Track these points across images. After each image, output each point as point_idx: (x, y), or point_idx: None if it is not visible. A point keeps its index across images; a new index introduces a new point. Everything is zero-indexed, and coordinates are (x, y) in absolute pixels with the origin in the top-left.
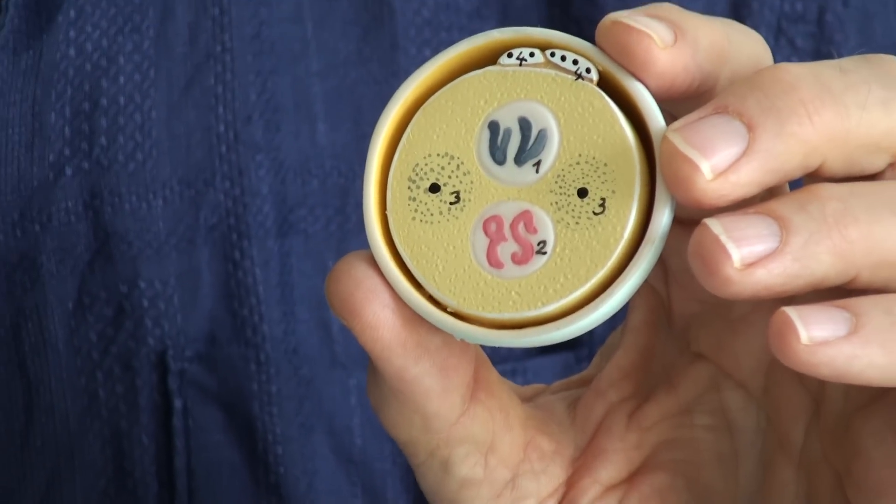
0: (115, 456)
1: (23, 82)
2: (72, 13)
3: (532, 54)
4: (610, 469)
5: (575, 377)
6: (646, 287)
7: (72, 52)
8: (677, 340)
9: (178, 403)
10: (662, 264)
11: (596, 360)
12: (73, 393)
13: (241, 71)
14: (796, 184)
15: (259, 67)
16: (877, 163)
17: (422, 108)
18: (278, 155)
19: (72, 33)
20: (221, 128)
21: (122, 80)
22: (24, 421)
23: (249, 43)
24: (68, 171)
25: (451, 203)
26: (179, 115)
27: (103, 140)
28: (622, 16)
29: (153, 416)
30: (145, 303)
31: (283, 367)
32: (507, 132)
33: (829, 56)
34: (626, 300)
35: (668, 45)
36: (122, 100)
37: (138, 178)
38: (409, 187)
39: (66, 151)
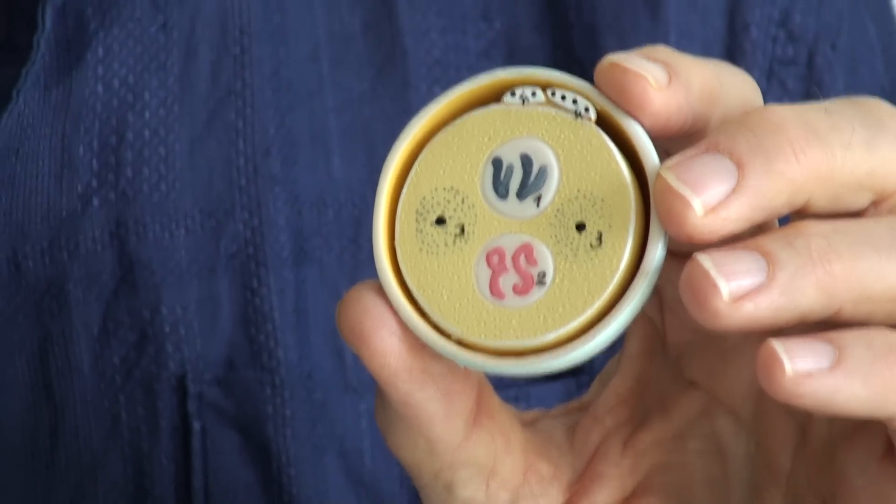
0: (136, 475)
1: (53, 117)
2: (100, 51)
3: (534, 93)
4: (606, 493)
5: (574, 402)
6: (642, 316)
7: (100, 88)
8: (671, 368)
9: (196, 425)
10: (657, 294)
11: (594, 385)
12: (97, 415)
13: (260, 106)
14: (784, 221)
15: (277, 103)
16: (860, 201)
17: (429, 143)
18: (295, 187)
19: (100, 70)
20: (241, 161)
21: (147, 114)
22: (50, 441)
23: (268, 80)
24: (95, 202)
25: (456, 235)
26: (201, 148)
27: (129, 172)
28: (619, 57)
29: (172, 438)
30: (167, 328)
31: (297, 391)
32: (510, 168)
33: (817, 97)
34: (622, 330)
35: (663, 87)
36: (147, 134)
37: (162, 209)
38: (416, 220)
39: (94, 183)
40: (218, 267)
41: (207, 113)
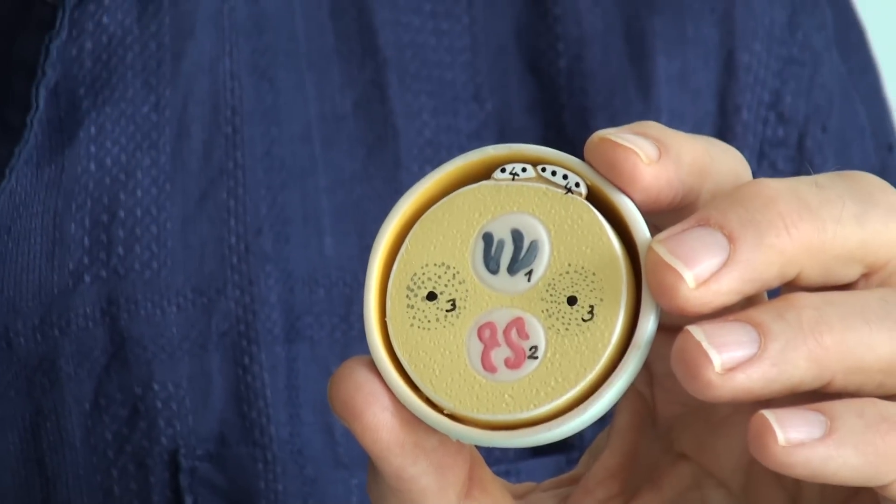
0: None
1: (45, 194)
2: (92, 130)
3: (524, 169)
4: None
5: (564, 476)
6: (631, 390)
7: (92, 166)
8: (661, 441)
9: (188, 500)
10: (647, 368)
11: (584, 458)
12: (90, 489)
13: (252, 186)
14: (774, 293)
15: (269, 182)
16: (850, 273)
17: (420, 220)
18: (287, 265)
19: (92, 149)
20: (233, 239)
21: (139, 193)
22: None
23: (260, 160)
24: (87, 279)
25: (447, 310)
26: (193, 226)
27: (120, 250)
28: (609, 133)
29: None
30: (159, 404)
31: (288, 466)
32: (501, 243)
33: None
34: (614, 402)
35: (653, 161)
36: (139, 212)
37: (153, 286)
38: (407, 295)
39: (86, 260)
40: (209, 344)
41: (199, 192)
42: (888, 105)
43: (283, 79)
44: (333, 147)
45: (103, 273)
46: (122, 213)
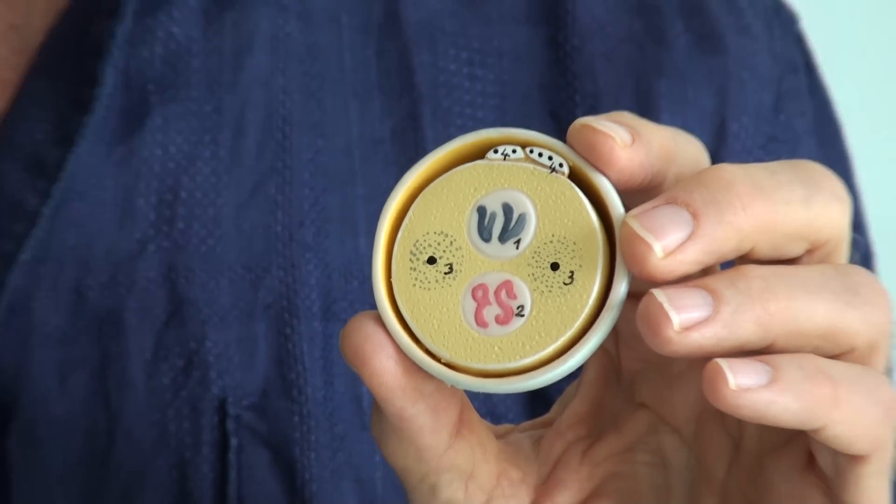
0: (180, 479)
1: (116, 171)
2: (159, 120)
3: (514, 151)
4: (566, 495)
5: (539, 419)
6: (599, 348)
7: (158, 151)
8: (624, 392)
9: (233, 442)
10: (614, 329)
11: (556, 406)
12: (148, 425)
13: (297, 185)
14: (728, 265)
15: (313, 185)
16: (796, 249)
17: (421, 193)
18: (326, 256)
19: (159, 136)
20: (279, 228)
21: (199, 179)
22: (106, 443)
23: (306, 165)
24: (151, 248)
25: (445, 273)
26: (245, 213)
27: (181, 225)
28: (590, 120)
29: (213, 450)
30: (211, 359)
31: (321, 422)
32: (493, 215)
33: None
34: (590, 355)
35: (627, 145)
36: (198, 195)
37: (209, 260)
38: (410, 259)
39: (151, 231)
40: (256, 313)
41: (252, 184)
42: (858, 191)
43: (330, 102)
44: (371, 164)
45: (165, 244)
46: (183, 194)
